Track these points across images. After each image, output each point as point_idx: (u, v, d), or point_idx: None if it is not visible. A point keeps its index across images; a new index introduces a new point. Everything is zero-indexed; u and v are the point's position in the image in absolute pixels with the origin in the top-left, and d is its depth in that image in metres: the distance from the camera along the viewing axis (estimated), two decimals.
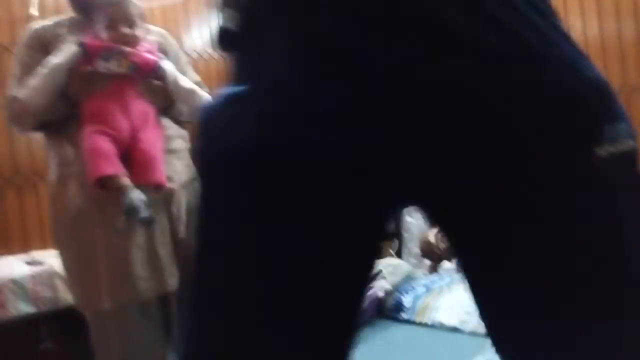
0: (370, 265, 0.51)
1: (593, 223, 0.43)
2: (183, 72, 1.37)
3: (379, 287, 2.13)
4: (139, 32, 1.26)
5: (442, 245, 2.54)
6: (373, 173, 0.45)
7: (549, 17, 0.47)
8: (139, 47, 1.24)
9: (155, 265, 1.26)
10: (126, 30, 1.23)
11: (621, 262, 0.43)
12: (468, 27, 0.43)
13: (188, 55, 2.80)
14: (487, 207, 0.44)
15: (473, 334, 1.79)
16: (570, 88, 0.44)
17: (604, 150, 0.44)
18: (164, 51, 1.34)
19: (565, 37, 0.47)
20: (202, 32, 2.98)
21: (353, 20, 0.43)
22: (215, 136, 0.48)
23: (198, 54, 2.93)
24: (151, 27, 1.38)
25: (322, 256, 0.46)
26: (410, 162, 0.44)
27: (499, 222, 0.44)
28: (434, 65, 0.42)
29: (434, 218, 0.50)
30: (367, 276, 0.50)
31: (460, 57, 0.43)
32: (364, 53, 0.43)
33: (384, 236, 0.54)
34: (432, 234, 2.59)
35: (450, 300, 1.98)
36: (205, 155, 0.50)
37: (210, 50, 2.97)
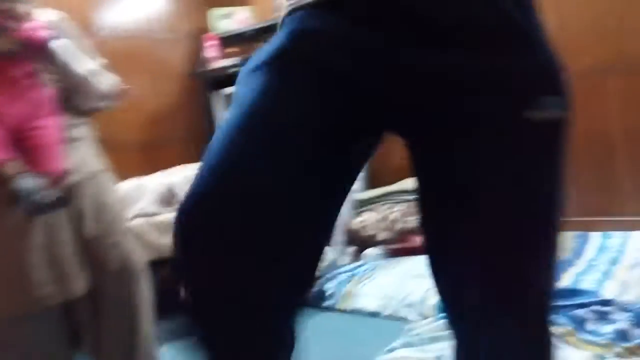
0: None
1: (515, 167, 0.58)
2: (82, 57, 1.25)
3: None
4: (26, 7, 1.12)
5: (365, 232, 2.57)
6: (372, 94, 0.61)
7: (527, 7, 0.61)
8: (26, 24, 1.11)
9: (58, 268, 1.15)
10: (11, 4, 1.09)
11: (524, 186, 0.59)
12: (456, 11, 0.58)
13: (97, 34, 2.60)
14: (446, 135, 0.60)
15: (392, 317, 1.83)
16: (527, 61, 0.59)
17: (536, 115, 0.58)
18: (59, 32, 1.21)
19: (537, 24, 0.61)
20: (112, 10, 2.77)
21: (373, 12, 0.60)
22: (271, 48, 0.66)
23: (107, 33, 2.72)
24: (47, 8, 1.24)
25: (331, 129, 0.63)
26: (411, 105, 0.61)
27: (454, 146, 0.59)
28: (423, 50, 0.59)
29: (407, 139, 0.65)
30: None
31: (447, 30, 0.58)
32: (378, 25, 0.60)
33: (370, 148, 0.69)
34: (356, 222, 2.62)
35: (372, 287, 2.01)
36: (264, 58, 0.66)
37: (120, 30, 2.78)
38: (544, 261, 0.64)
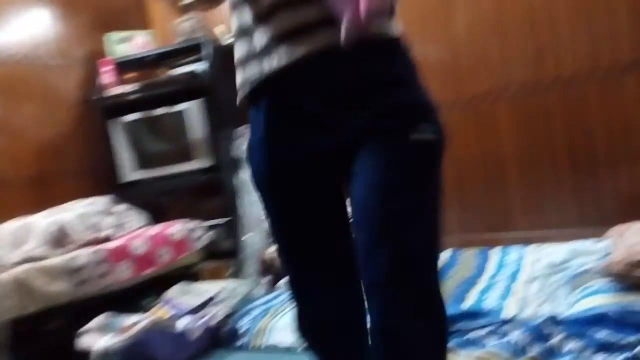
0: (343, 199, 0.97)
1: (401, 169, 0.82)
2: None
3: (212, 315, 2.00)
4: None
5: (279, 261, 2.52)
6: (328, 160, 0.89)
7: (403, 65, 0.89)
8: None
9: None
10: None
11: (403, 185, 0.82)
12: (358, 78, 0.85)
13: None
14: (361, 156, 0.85)
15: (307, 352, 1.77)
16: (408, 101, 0.85)
17: (415, 137, 0.82)
18: None
19: (418, 76, 0.89)
20: None
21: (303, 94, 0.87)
22: (255, 167, 0.96)
23: None
24: None
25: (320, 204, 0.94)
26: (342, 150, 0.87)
27: (365, 161, 0.84)
28: (345, 111, 0.85)
29: (346, 173, 0.88)
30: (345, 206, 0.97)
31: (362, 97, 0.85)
32: (312, 112, 0.87)
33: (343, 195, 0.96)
34: (269, 251, 2.55)
35: (285, 320, 1.95)
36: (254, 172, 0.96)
37: (5, 55, 2.52)
38: (426, 242, 0.82)
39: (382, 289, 0.79)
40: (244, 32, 0.88)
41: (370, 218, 0.80)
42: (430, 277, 0.82)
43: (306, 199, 0.92)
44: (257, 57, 0.87)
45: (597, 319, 1.40)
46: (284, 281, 2.48)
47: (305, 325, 0.98)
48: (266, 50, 0.85)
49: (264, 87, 0.87)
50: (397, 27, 0.88)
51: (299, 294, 0.98)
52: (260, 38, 0.85)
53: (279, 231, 0.97)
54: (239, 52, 0.90)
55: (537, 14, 2.38)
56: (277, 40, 0.83)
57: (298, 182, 0.91)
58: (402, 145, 0.81)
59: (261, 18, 0.85)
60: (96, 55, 2.90)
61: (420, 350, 0.80)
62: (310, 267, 0.96)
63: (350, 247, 0.96)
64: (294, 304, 0.99)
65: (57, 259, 2.09)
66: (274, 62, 0.84)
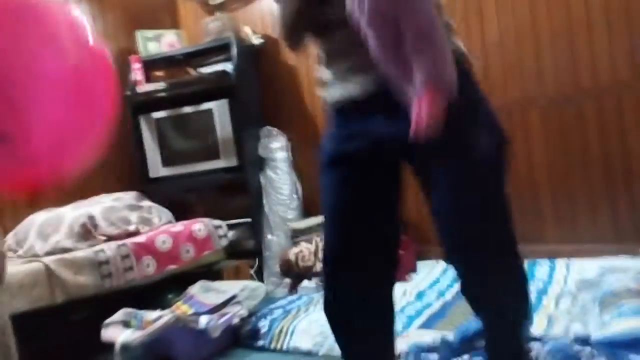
0: (400, 186, 1.15)
1: (472, 165, 1.02)
2: None
3: (233, 314, 2.00)
4: None
5: (302, 263, 2.50)
6: (389, 154, 1.09)
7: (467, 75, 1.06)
8: None
9: None
10: None
11: (473, 171, 1.02)
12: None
13: None
14: (430, 159, 1.03)
15: (327, 356, 1.76)
16: (459, 104, 0.97)
17: (471, 142, 1.02)
18: None
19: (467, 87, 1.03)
20: None
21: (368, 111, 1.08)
22: (325, 151, 1.15)
23: None
24: None
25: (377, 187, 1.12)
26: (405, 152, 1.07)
27: (437, 162, 1.03)
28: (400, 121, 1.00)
29: (415, 173, 1.10)
30: (401, 189, 1.16)
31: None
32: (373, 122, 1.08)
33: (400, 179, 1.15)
34: (292, 252, 2.54)
35: (305, 323, 1.93)
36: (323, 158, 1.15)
37: None
38: (496, 218, 1.06)
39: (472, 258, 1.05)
40: (324, 60, 1.13)
41: (450, 225, 1.04)
42: (513, 249, 1.09)
43: (360, 178, 1.10)
44: (336, 82, 1.11)
45: (632, 343, 1.34)
46: (305, 283, 2.47)
47: (336, 306, 1.09)
48: (344, 77, 1.09)
49: (343, 102, 1.12)
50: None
51: (335, 272, 1.09)
52: (337, 67, 1.11)
53: (330, 204, 1.11)
54: (322, 74, 1.15)
55: (573, 23, 2.31)
56: (350, 71, 1.07)
57: (355, 164, 1.09)
58: (464, 156, 1.00)
59: (336, 52, 1.10)
60: (126, 52, 2.94)
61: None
62: (351, 245, 1.08)
63: (394, 233, 1.15)
64: (326, 284, 1.11)
65: (84, 252, 2.12)
66: (350, 90, 1.08)
